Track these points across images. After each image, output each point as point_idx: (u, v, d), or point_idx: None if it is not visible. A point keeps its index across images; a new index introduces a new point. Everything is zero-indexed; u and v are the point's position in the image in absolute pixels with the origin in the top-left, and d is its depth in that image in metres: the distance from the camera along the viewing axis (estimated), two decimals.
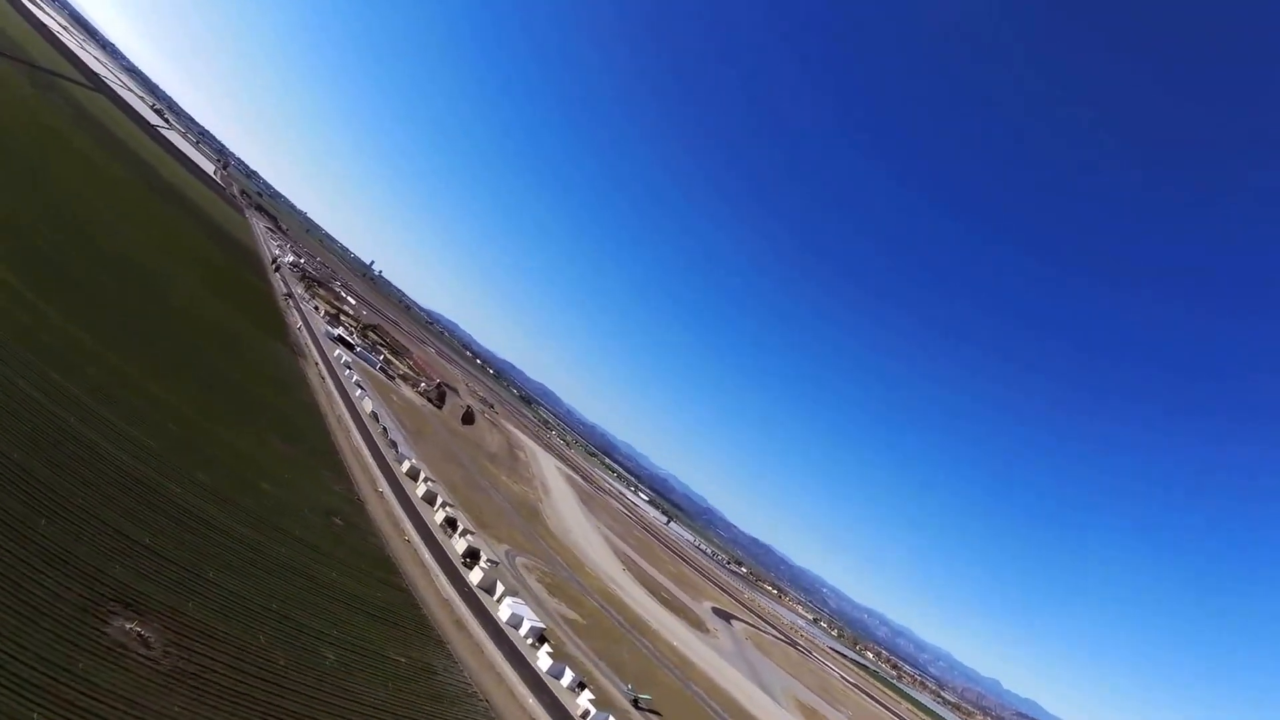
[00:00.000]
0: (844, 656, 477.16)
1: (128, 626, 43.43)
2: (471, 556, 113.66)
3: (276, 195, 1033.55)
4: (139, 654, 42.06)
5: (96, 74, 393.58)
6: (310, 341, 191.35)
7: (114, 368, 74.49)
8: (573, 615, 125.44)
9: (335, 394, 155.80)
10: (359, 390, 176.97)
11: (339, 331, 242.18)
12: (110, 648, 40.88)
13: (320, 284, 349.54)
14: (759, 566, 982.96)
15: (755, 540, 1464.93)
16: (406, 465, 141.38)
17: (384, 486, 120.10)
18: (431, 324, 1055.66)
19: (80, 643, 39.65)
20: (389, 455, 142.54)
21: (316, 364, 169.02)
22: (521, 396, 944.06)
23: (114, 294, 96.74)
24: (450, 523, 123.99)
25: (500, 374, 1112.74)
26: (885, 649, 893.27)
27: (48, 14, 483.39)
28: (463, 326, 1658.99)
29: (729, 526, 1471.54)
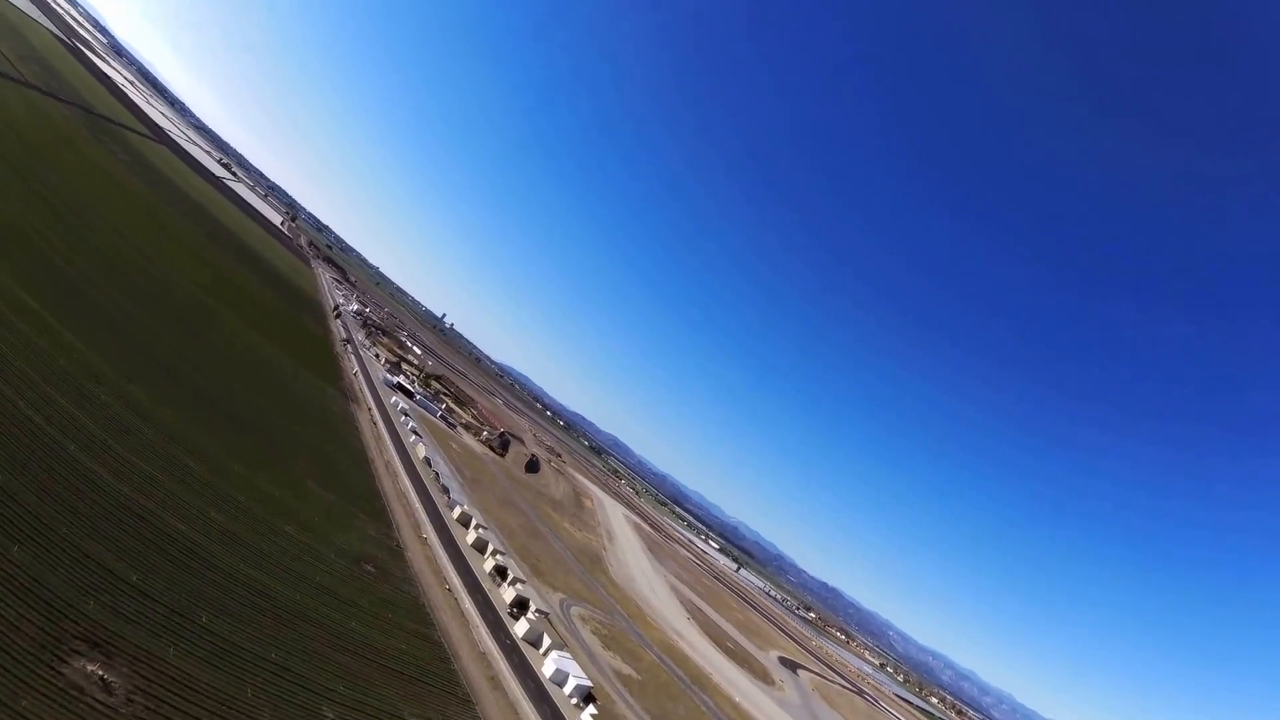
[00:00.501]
0: (909, 704, 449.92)
1: (89, 668, 38.90)
2: (519, 606, 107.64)
3: (347, 249, 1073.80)
4: (95, 698, 37.37)
5: (159, 126, 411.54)
6: (366, 387, 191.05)
7: (133, 400, 72.32)
8: (627, 670, 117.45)
9: (387, 439, 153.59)
10: (414, 436, 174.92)
11: (399, 379, 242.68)
12: (63, 689, 36.34)
13: (384, 332, 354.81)
14: (828, 611, 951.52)
15: (824, 584, 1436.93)
16: (457, 511, 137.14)
17: (429, 533, 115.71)
18: (502, 376, 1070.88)
19: (29, 680, 35.26)
20: (439, 501, 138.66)
21: (370, 409, 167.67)
22: (592, 447, 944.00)
23: (148, 329, 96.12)
24: (500, 571, 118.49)
25: (571, 426, 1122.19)
26: (950, 694, 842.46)
27: (114, 68, 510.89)
28: (534, 380, 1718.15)
29: (799, 572, 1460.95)
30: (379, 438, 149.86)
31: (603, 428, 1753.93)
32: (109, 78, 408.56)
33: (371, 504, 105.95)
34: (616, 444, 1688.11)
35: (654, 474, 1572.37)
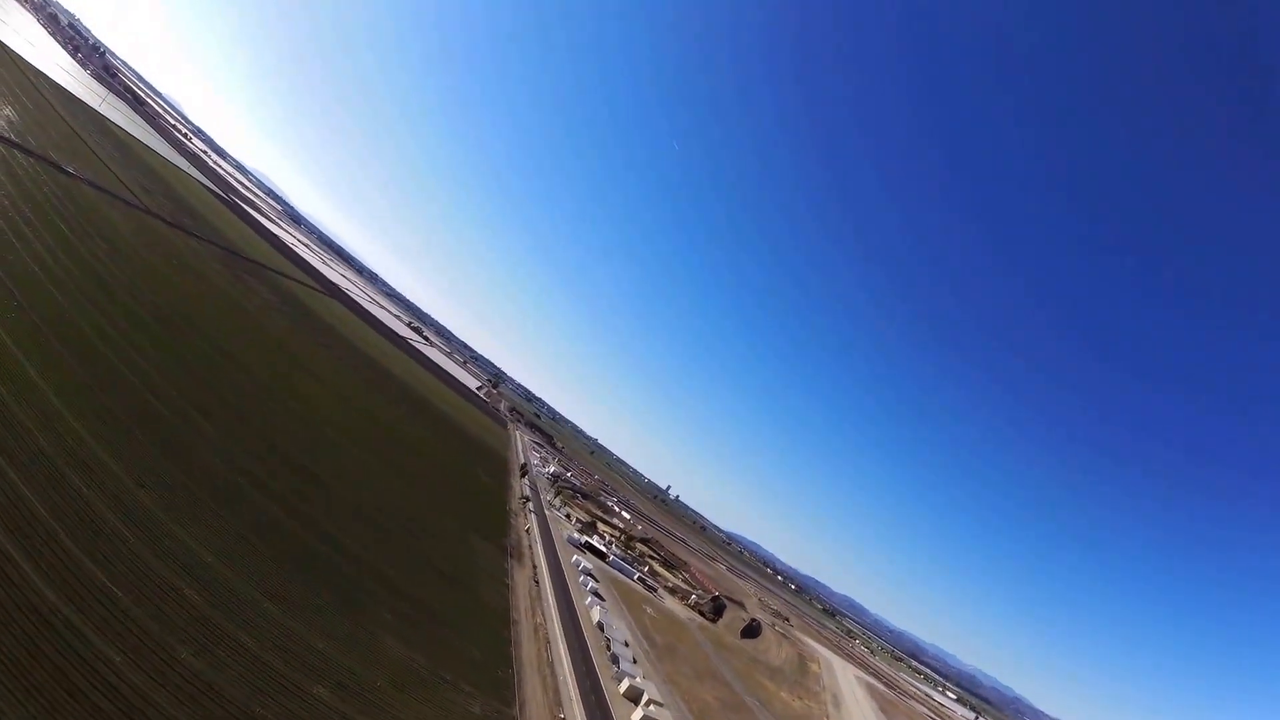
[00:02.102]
0: None
1: None
2: None
3: (561, 420, 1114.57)
4: None
5: (332, 282, 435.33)
6: (540, 546, 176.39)
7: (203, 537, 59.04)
8: None
9: (550, 601, 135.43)
10: (591, 599, 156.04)
11: (588, 539, 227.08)
12: None
13: (584, 495, 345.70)
14: None
15: None
16: (625, 685, 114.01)
17: (575, 710, 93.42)
18: (729, 543, 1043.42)
19: None
20: (603, 672, 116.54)
21: (534, 568, 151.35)
22: (825, 609, 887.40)
23: (261, 468, 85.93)
24: None
25: (803, 589, 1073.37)
26: None
27: (283, 227, 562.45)
28: (765, 546, 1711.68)
29: (1036, 714, 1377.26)
30: (538, 598, 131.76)
31: (836, 589, 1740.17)
32: (273, 234, 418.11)
33: (490, 673, 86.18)
34: (851, 604, 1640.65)
35: (890, 631, 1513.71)
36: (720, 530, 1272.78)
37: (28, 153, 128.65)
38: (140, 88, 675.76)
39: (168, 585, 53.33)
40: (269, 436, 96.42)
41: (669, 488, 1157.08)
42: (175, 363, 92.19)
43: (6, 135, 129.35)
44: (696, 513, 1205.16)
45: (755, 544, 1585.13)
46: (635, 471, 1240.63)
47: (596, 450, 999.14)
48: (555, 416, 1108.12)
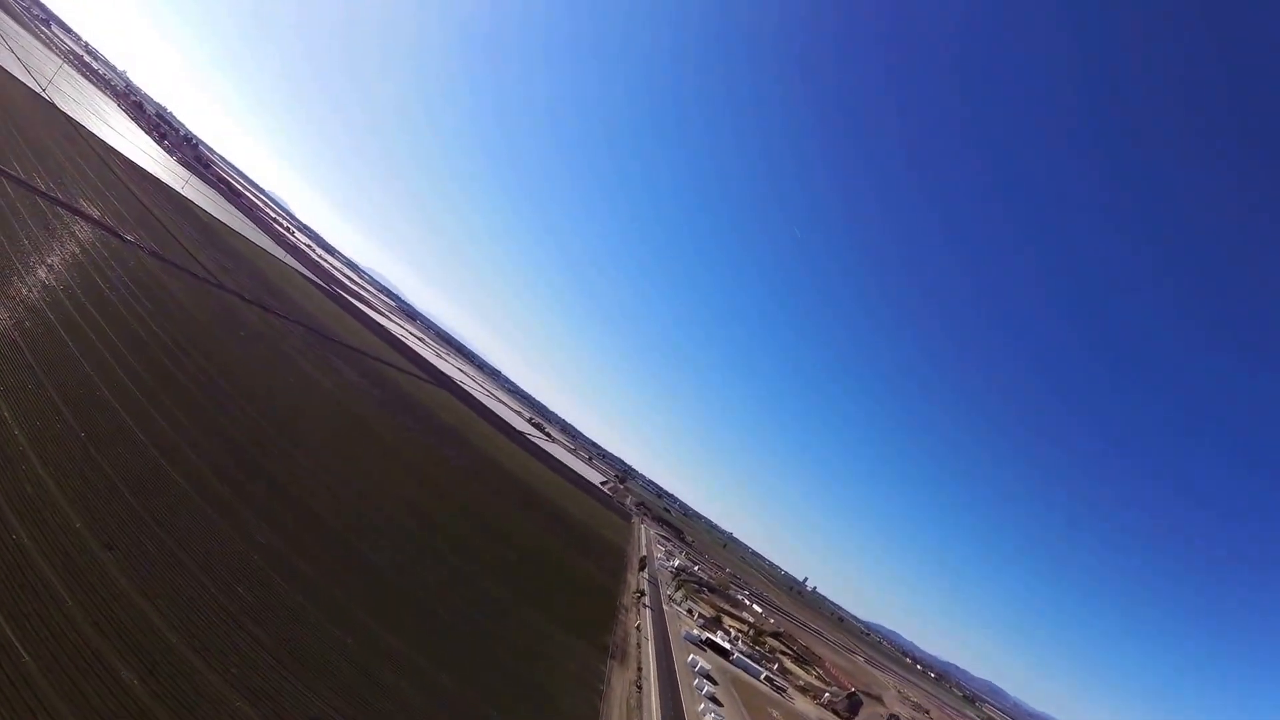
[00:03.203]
0: None
1: None
2: None
3: (693, 514, 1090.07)
4: None
5: (442, 372, 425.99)
6: (650, 645, 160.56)
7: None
8: None
9: (655, 708, 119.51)
10: (705, 704, 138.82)
11: (710, 635, 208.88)
12: None
13: (710, 589, 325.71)
14: None
15: None
16: None
17: None
18: (867, 634, 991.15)
19: None
20: None
21: (639, 669, 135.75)
22: (964, 696, 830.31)
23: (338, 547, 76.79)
24: None
25: (943, 676, 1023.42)
26: None
27: (390, 318, 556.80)
28: (904, 634, 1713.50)
29: None
30: (637, 706, 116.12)
31: (976, 673, 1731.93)
32: (378, 324, 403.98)
33: None
34: (991, 689, 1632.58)
35: (1030, 714, 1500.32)
36: (858, 620, 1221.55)
37: (76, 213, 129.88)
38: (238, 180, 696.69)
39: (102, 663, 43.24)
40: (307, 509, 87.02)
41: (806, 579, 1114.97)
42: (205, 427, 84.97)
43: (50, 193, 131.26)
44: (834, 604, 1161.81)
45: (893, 632, 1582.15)
46: (770, 564, 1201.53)
47: (730, 544, 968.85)
48: (687, 511, 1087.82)
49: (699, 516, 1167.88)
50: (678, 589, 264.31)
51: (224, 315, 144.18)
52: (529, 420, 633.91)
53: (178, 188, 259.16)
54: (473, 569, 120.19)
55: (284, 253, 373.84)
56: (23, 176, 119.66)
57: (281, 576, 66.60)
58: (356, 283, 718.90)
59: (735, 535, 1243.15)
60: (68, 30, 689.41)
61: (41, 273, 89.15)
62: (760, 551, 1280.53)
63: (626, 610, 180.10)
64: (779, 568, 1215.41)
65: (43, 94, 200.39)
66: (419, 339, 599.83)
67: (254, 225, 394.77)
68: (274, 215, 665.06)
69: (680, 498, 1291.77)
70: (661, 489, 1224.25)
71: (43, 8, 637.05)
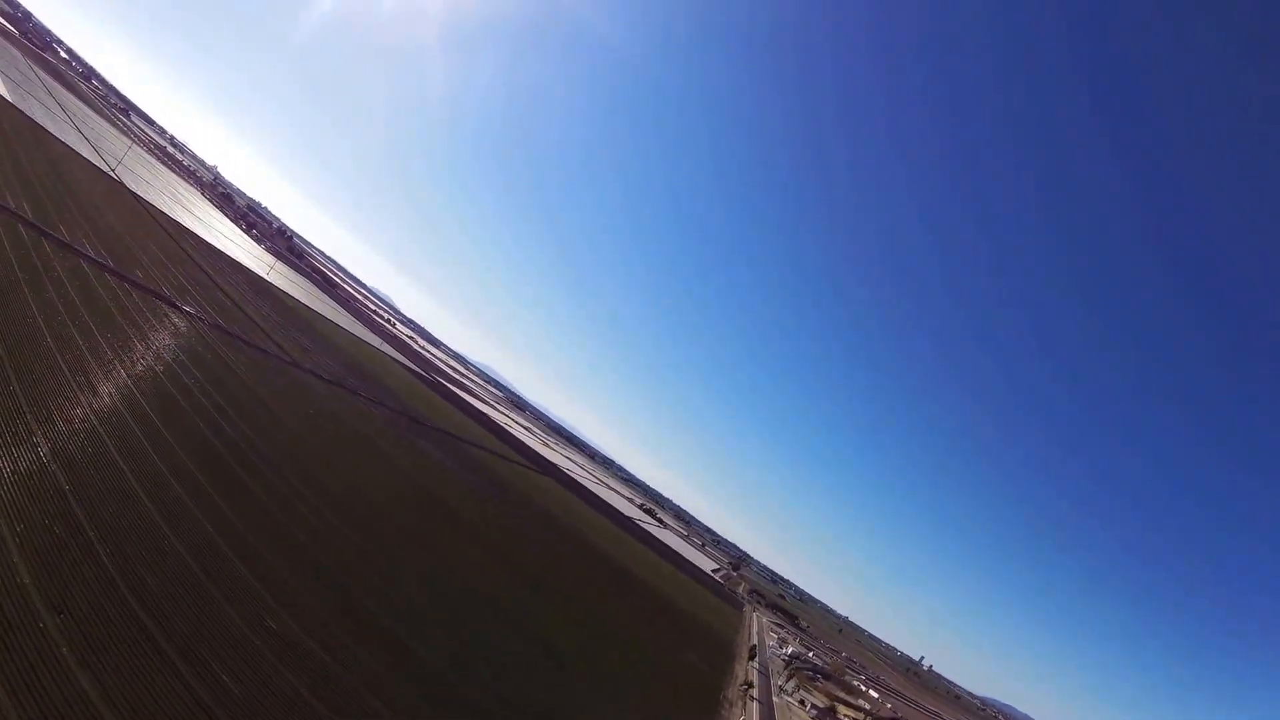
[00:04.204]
0: None
1: None
2: None
3: (809, 600, 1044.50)
4: None
5: (548, 460, 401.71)
6: None
7: None
8: None
9: None
10: None
11: None
12: None
13: (824, 676, 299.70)
14: None
15: None
16: None
17: None
18: (984, 709, 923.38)
19: None
20: None
21: None
22: None
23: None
24: None
25: None
26: None
27: (498, 408, 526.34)
28: (1019, 707, 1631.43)
29: None
30: None
31: None
32: (481, 412, 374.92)
33: None
34: None
35: None
36: (974, 696, 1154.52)
37: (124, 279, 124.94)
38: (336, 273, 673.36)
39: None
40: (342, 589, 74.93)
41: (922, 658, 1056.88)
42: (239, 500, 74.62)
43: (100, 259, 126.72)
44: (950, 682, 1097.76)
45: (1009, 705, 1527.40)
46: (888, 646, 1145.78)
47: (845, 628, 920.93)
48: (803, 597, 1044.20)
49: (814, 601, 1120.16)
50: (789, 678, 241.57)
51: (289, 390, 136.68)
52: (640, 505, 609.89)
53: (261, 272, 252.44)
54: (553, 662, 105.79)
55: (380, 340, 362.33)
56: (68, 239, 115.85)
57: (289, 667, 54.05)
58: (461, 372, 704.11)
59: (850, 619, 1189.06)
60: (150, 122, 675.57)
61: (74, 332, 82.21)
62: (876, 633, 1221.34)
63: (731, 704, 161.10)
64: (895, 649, 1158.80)
65: (111, 173, 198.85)
66: (524, 427, 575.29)
67: (349, 315, 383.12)
68: (374, 307, 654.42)
69: (795, 582, 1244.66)
70: (776, 574, 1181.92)
71: (121, 97, 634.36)
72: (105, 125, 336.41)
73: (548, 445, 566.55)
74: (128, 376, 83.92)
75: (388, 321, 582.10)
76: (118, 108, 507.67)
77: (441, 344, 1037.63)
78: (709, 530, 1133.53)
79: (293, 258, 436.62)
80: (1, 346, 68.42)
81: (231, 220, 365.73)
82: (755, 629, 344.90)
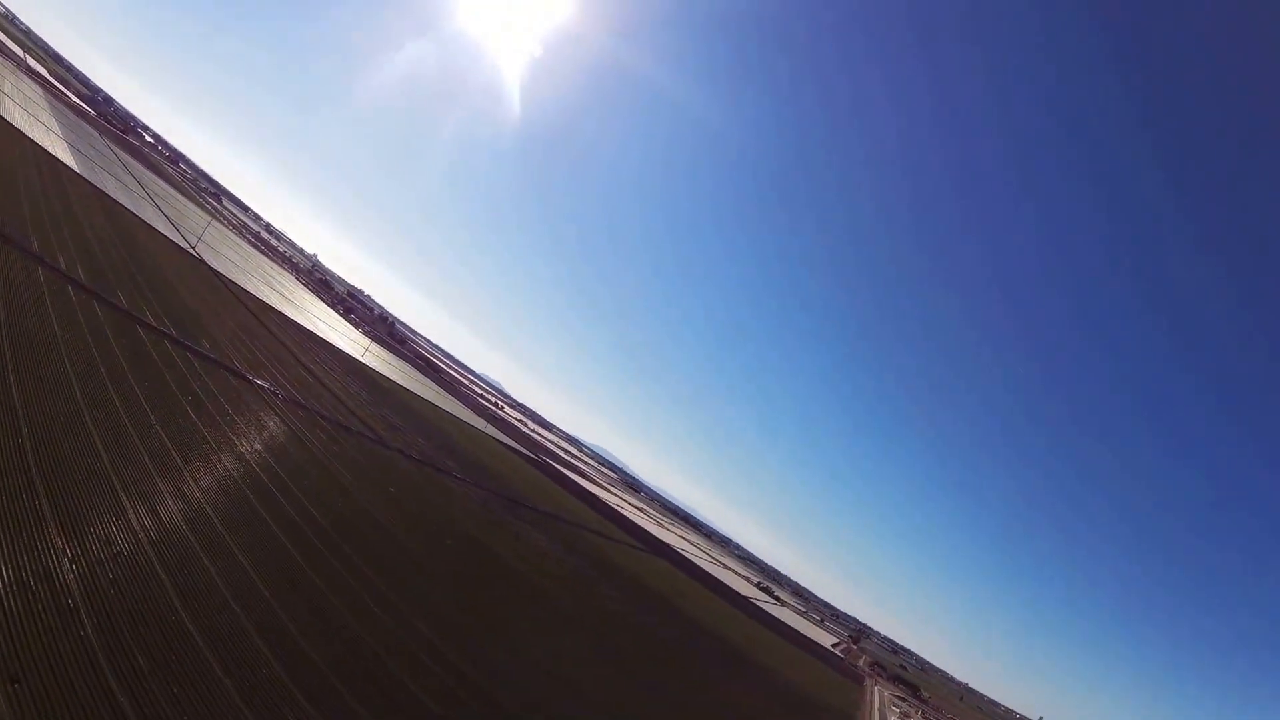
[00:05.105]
0: None
1: None
2: None
3: (931, 668, 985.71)
4: None
5: (659, 540, 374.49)
6: None
7: None
8: None
9: None
10: None
11: None
12: None
13: None
14: None
15: None
16: None
17: None
18: None
19: None
20: None
21: None
22: None
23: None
24: None
25: None
26: None
27: (626, 499, 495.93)
28: None
29: None
30: None
31: None
32: (591, 494, 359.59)
33: None
34: None
35: None
36: None
37: (185, 346, 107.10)
38: (439, 357, 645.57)
39: None
40: (405, 690, 52.83)
41: (1041, 718, 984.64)
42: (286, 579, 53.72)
43: (158, 326, 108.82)
44: None
45: None
46: (1007, 710, 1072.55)
47: (966, 695, 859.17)
48: (924, 666, 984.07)
49: (935, 670, 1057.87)
50: None
51: (371, 467, 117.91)
52: (756, 584, 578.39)
53: (356, 354, 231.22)
54: None
55: (484, 422, 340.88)
56: (125, 305, 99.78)
57: None
58: (572, 454, 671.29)
59: (970, 685, 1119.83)
60: (244, 209, 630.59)
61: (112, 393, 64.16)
62: (996, 697, 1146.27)
63: None
64: (1015, 712, 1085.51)
65: (190, 250, 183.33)
66: (638, 509, 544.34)
67: (451, 397, 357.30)
68: (480, 391, 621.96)
69: (916, 650, 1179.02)
70: (897, 644, 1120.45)
71: (212, 182, 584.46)
72: (190, 205, 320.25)
73: (662, 525, 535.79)
74: (168, 439, 65.18)
75: (495, 405, 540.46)
76: (208, 192, 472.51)
77: (554, 427, 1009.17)
78: (827, 605, 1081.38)
79: (393, 342, 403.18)
80: (24, 409, 50.42)
81: (328, 305, 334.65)
82: (876, 704, 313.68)
